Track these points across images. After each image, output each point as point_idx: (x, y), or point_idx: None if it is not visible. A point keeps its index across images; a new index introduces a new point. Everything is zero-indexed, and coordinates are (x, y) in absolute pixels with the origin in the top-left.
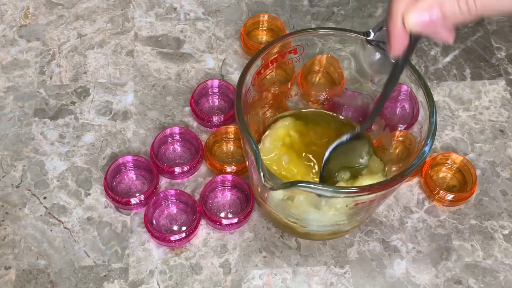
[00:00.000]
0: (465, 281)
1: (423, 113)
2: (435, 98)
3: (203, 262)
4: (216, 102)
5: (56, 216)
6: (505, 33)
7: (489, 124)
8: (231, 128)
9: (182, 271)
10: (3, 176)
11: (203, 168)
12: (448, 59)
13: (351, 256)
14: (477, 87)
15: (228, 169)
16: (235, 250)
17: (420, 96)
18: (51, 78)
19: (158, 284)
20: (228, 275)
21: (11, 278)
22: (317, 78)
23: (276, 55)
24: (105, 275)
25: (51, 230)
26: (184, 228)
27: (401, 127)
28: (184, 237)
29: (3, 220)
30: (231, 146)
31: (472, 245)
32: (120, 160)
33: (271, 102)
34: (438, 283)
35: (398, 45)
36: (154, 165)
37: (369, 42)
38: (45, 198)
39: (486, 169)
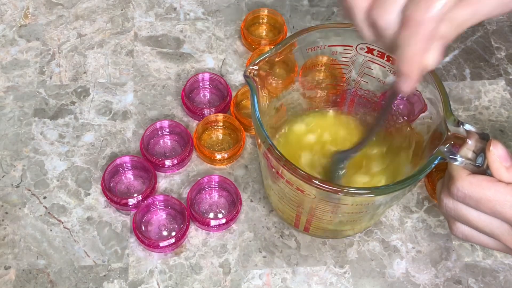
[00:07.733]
0: (465, 281)
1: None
2: None
3: (202, 262)
4: (208, 95)
5: (56, 216)
6: (505, 33)
7: (489, 124)
8: (220, 116)
9: (182, 271)
10: (3, 176)
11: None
12: (447, 59)
13: (351, 256)
14: (476, 87)
15: (218, 156)
16: (235, 250)
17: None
18: (51, 78)
19: (158, 284)
20: (228, 275)
21: (11, 278)
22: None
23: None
24: (105, 275)
25: (51, 230)
26: (173, 234)
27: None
28: (173, 243)
29: (3, 220)
30: (220, 134)
31: (471, 245)
32: (118, 161)
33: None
34: (438, 283)
35: (415, 83)
36: (148, 161)
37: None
38: (45, 198)
39: None
